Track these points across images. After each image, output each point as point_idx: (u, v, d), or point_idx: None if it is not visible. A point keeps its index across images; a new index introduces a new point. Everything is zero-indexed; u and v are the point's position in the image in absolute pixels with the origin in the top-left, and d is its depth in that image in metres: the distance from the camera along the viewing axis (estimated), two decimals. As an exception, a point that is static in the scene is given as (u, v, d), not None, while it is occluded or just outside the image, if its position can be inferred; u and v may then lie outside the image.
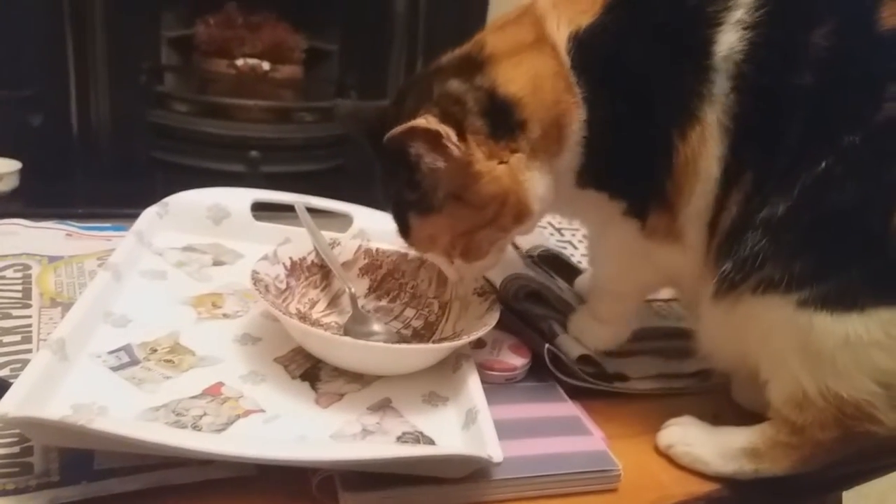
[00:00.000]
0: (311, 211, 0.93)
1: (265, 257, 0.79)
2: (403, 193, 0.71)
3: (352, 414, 0.67)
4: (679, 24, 0.67)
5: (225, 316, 0.79)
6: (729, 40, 0.64)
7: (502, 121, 0.69)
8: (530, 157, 0.70)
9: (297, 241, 0.86)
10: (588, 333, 0.81)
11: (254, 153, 2.49)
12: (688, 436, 0.73)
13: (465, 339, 0.70)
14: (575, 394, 0.78)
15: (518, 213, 0.70)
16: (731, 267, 0.66)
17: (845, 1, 0.64)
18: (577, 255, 1.03)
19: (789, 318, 0.64)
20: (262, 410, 0.65)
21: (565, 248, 1.03)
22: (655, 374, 0.84)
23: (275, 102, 2.71)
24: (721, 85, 0.65)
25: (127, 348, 0.70)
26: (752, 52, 0.64)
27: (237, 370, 0.70)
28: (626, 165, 0.71)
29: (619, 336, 0.82)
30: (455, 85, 0.69)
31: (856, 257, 0.62)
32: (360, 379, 0.72)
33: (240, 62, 2.65)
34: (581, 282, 0.96)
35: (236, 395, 0.66)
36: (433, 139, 0.65)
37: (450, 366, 0.74)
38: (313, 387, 0.70)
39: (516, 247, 0.97)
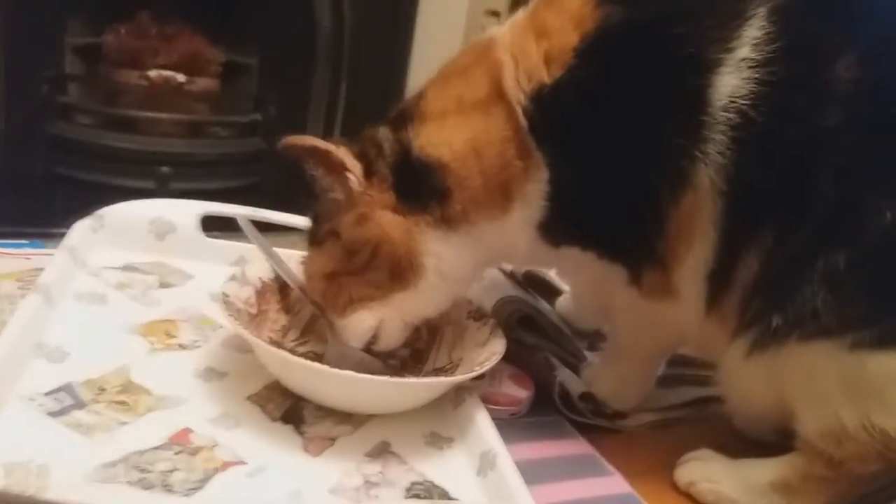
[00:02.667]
0: (264, 228, 0.83)
1: (233, 278, 0.67)
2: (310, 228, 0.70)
3: (349, 462, 0.57)
4: (667, 74, 0.59)
5: (181, 347, 0.67)
6: (730, 84, 0.57)
7: (414, 183, 0.64)
8: (444, 224, 0.64)
9: (259, 259, 0.75)
10: (610, 393, 0.73)
11: (164, 169, 2.31)
12: (711, 471, 0.66)
13: (478, 370, 0.61)
14: (578, 429, 0.71)
15: (396, 271, 0.64)
16: (782, 321, 0.59)
17: (867, 26, 0.58)
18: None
19: (839, 359, 0.58)
20: (244, 462, 0.54)
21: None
22: (654, 407, 0.78)
23: (188, 116, 2.55)
24: (718, 142, 0.57)
25: (67, 388, 0.57)
26: (763, 94, 0.56)
27: (205, 412, 0.58)
28: (610, 228, 0.64)
29: (643, 394, 0.75)
30: (383, 132, 0.66)
31: None
32: (349, 419, 0.61)
33: (153, 73, 2.49)
34: (562, 304, 0.89)
35: (209, 443, 0.55)
36: (335, 167, 0.63)
37: (449, 401, 0.65)
38: (298, 430, 0.59)
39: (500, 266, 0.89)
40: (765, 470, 0.65)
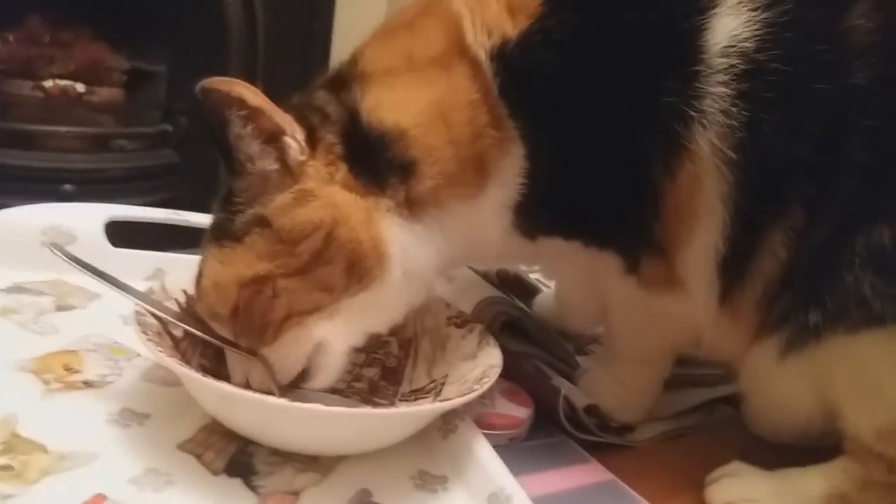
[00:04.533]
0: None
1: (151, 291, 0.53)
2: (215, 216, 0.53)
3: (323, 523, 0.43)
4: (652, 17, 0.50)
5: (87, 384, 0.52)
6: (728, 25, 0.48)
7: (369, 156, 0.51)
8: (407, 210, 0.52)
9: (183, 271, 0.61)
10: (614, 404, 0.61)
11: (67, 187, 2.10)
12: (750, 489, 0.56)
13: (478, 390, 0.48)
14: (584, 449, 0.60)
15: (355, 266, 0.49)
16: (821, 316, 0.50)
17: None
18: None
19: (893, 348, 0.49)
20: (181, 536, 0.40)
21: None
22: (662, 416, 0.67)
23: (90, 129, 2.34)
24: (718, 97, 0.48)
25: (-75, 453, 0.42)
26: (771, 35, 0.48)
27: (123, 471, 0.44)
28: (596, 212, 0.54)
29: (650, 402, 0.64)
30: (320, 96, 0.54)
31: None
32: (314, 464, 0.48)
33: (48, 83, 2.27)
34: (540, 303, 0.78)
35: (131, 513, 0.40)
36: (269, 130, 0.49)
37: (437, 429, 0.52)
38: (249, 484, 0.45)
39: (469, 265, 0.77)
40: (814, 481, 0.55)
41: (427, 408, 0.49)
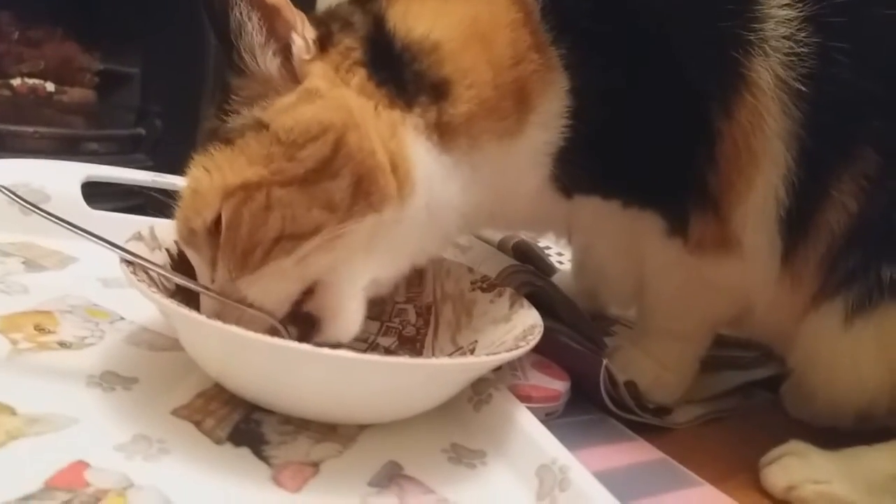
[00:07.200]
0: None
1: (139, 237, 0.46)
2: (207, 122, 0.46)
3: (349, 497, 0.36)
4: None
5: (63, 345, 0.44)
6: None
7: (395, 66, 0.45)
8: (437, 135, 0.46)
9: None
10: (650, 383, 0.56)
11: (35, 189, 2.01)
12: (814, 468, 0.50)
13: (523, 347, 0.41)
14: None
15: (367, 182, 0.42)
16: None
17: None
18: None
19: None
20: (181, 510, 0.32)
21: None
22: (700, 398, 0.61)
23: (59, 129, 2.25)
24: (780, 18, 0.44)
25: None
26: None
27: (108, 436, 0.36)
28: (645, 158, 0.48)
29: (687, 383, 0.58)
30: (343, 8, 0.49)
31: None
32: (331, 434, 0.41)
33: (16, 82, 2.18)
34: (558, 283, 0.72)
35: (118, 483, 0.33)
36: (278, 23, 0.43)
37: (467, 400, 0.46)
38: (259, 454, 0.38)
39: (482, 238, 0.70)
40: (885, 460, 0.50)
41: (477, 360, 0.42)
